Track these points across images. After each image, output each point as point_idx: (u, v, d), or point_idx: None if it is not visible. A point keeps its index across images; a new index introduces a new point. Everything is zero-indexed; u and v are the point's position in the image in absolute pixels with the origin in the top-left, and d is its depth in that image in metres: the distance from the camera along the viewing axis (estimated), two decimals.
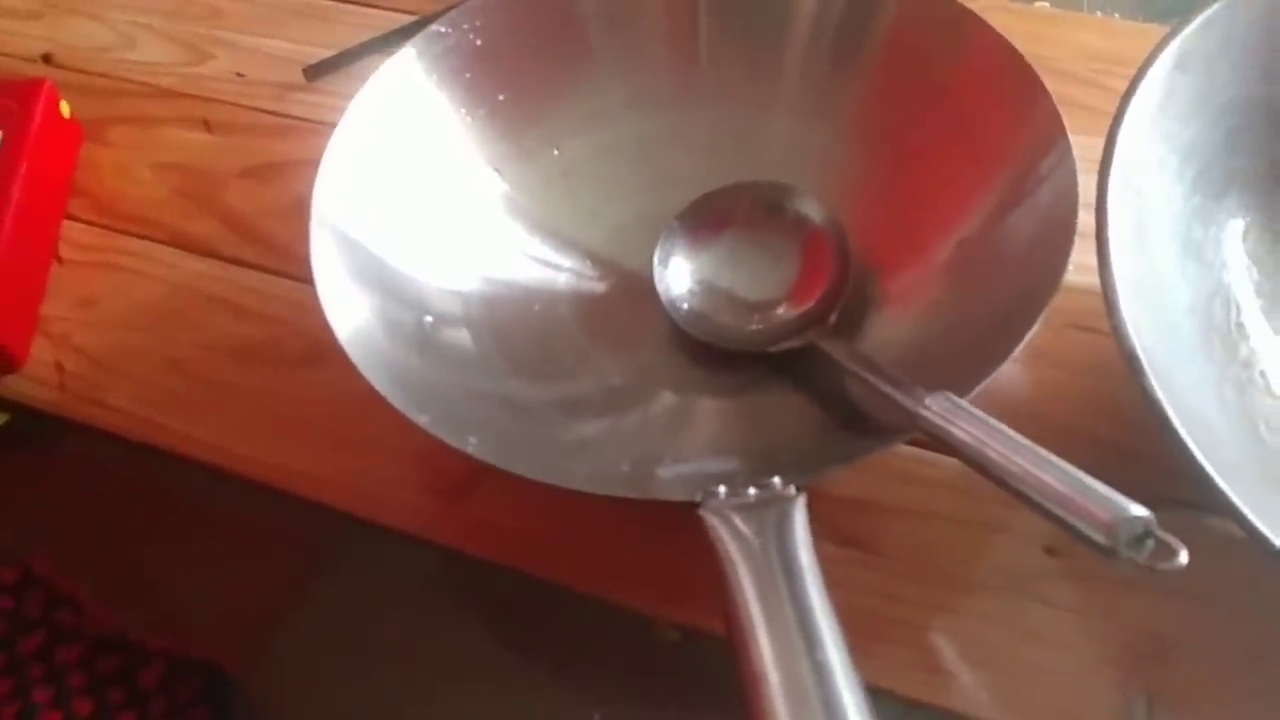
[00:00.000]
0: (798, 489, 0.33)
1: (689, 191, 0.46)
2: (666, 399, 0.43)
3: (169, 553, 0.42)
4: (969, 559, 0.40)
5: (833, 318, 0.42)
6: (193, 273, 0.49)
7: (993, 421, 0.33)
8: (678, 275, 0.45)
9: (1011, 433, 0.32)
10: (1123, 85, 0.50)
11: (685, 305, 0.44)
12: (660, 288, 0.44)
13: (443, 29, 0.46)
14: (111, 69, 0.59)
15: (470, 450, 0.35)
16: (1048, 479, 0.30)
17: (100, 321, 0.48)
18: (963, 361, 0.37)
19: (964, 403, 0.33)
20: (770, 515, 0.33)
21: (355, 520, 0.42)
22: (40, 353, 0.47)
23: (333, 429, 0.43)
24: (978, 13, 0.43)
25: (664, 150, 0.49)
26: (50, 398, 0.46)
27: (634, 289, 0.45)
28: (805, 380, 0.42)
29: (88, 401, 0.45)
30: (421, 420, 0.35)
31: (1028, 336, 0.35)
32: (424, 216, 0.44)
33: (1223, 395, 0.38)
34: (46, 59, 0.59)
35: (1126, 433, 0.41)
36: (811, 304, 0.43)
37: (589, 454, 0.40)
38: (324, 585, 0.42)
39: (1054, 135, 0.38)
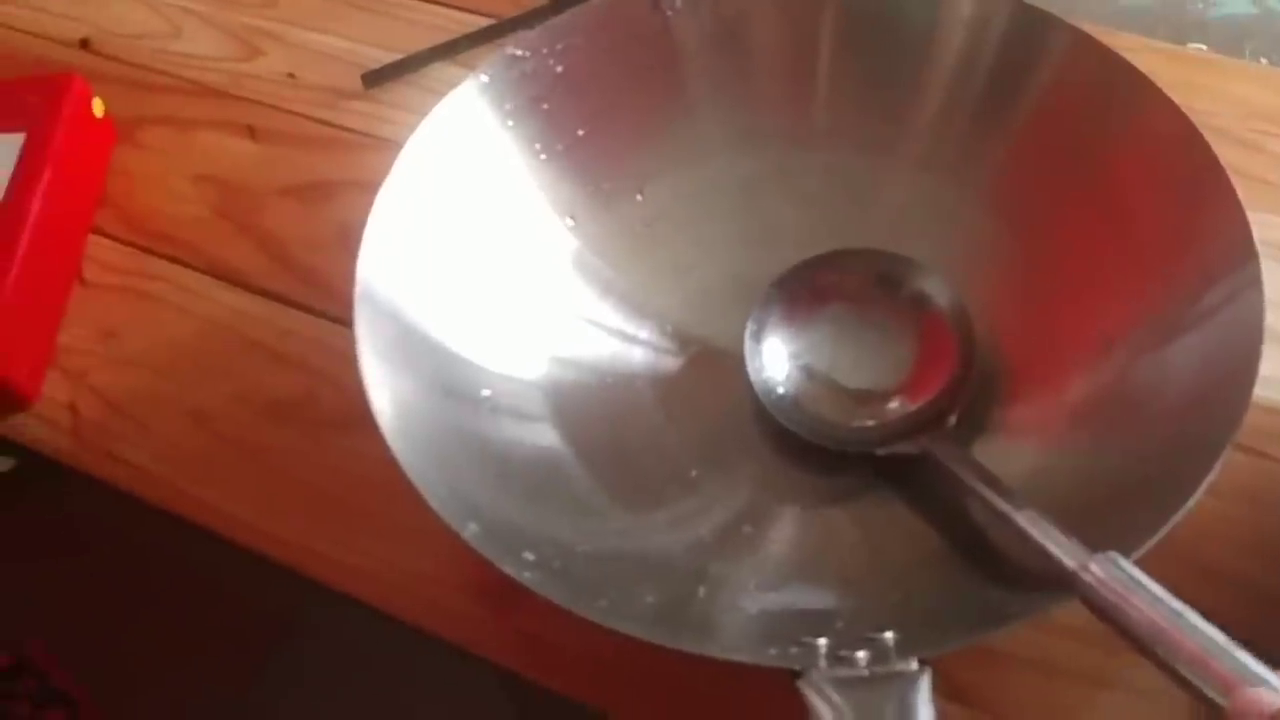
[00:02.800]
0: (920, 663, 0.28)
1: (786, 247, 0.40)
2: (754, 502, 0.37)
3: (175, 642, 0.37)
4: None
5: (952, 419, 0.36)
6: (227, 307, 0.44)
7: (1186, 611, 0.27)
8: (773, 354, 0.39)
9: (1218, 635, 0.26)
10: None
11: (780, 390, 0.38)
12: (751, 367, 0.38)
13: (519, 52, 0.40)
14: (152, 60, 0.53)
15: (526, 581, 0.30)
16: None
17: (122, 359, 0.43)
18: (1111, 505, 0.32)
19: (1141, 574, 0.27)
20: (889, 699, 0.27)
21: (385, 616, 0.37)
22: (54, 390, 0.43)
23: (368, 509, 0.38)
24: (1144, 73, 0.36)
25: (762, 197, 0.42)
26: (61, 445, 0.41)
27: (718, 365, 0.39)
28: (920, 493, 0.36)
29: (101, 454, 0.40)
30: (468, 532, 0.30)
31: (1204, 484, 0.29)
32: (486, 284, 0.39)
33: None
34: (84, 44, 0.54)
35: None
36: (927, 400, 0.37)
37: (660, 571, 0.34)
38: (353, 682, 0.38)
39: (1240, 254, 0.32)
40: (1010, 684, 0.34)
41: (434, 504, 0.30)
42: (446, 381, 0.35)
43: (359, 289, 0.34)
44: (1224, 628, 0.27)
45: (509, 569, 0.30)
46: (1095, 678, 0.34)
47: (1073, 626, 0.34)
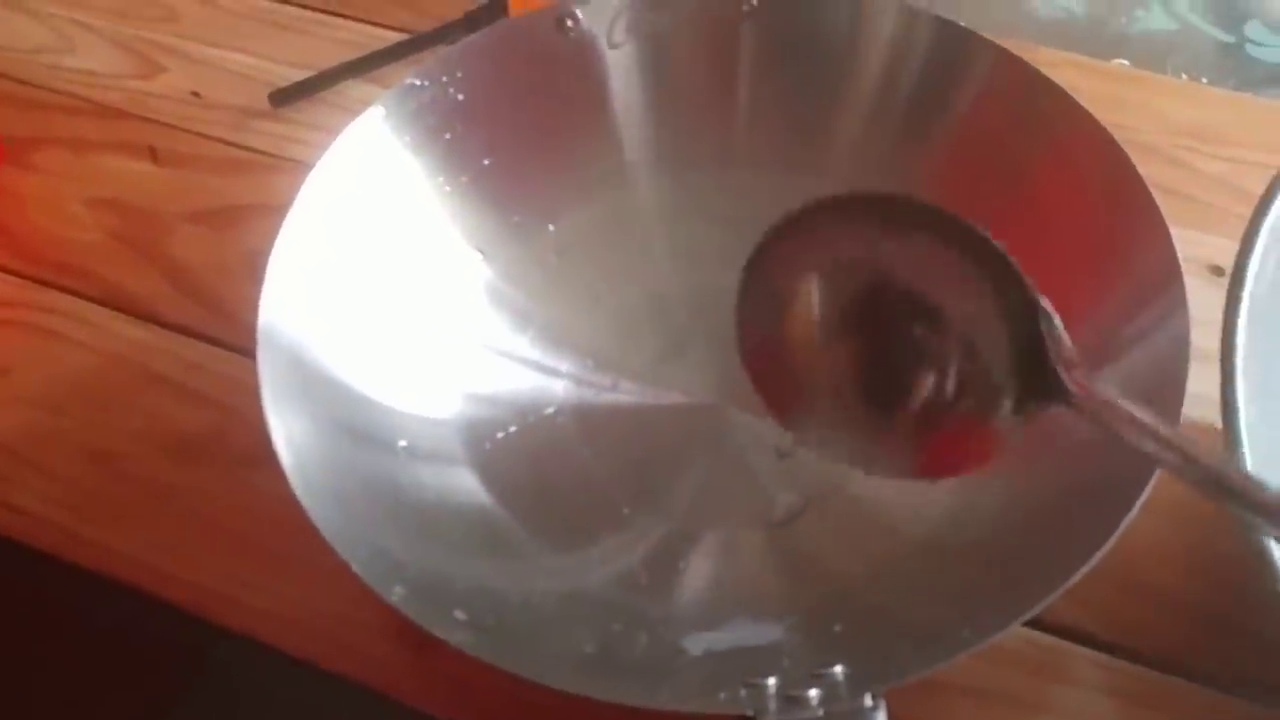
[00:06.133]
0: (873, 698, 0.27)
1: (705, 267, 0.40)
2: (682, 530, 0.36)
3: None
4: None
5: None
6: (129, 341, 0.42)
7: None
8: None
9: None
10: (1213, 168, 0.45)
11: None
12: None
13: (418, 82, 0.38)
14: (43, 77, 0.51)
15: (459, 644, 0.28)
16: None
17: (12, 398, 0.41)
18: (1038, 538, 0.31)
19: None
20: None
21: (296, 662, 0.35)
22: None
23: (281, 549, 0.36)
24: (1066, 89, 0.36)
25: (679, 221, 0.42)
26: None
27: (643, 392, 0.39)
28: (856, 515, 0.35)
29: None
30: (395, 596, 0.29)
31: (1131, 513, 0.29)
32: (397, 322, 0.37)
33: None
34: None
35: (1222, 596, 0.35)
36: None
37: (597, 615, 0.33)
38: None
39: (1164, 280, 0.31)
40: (951, 712, 0.33)
41: (357, 568, 0.29)
42: (360, 429, 0.34)
43: (261, 333, 0.33)
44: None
45: (440, 633, 0.28)
46: (1029, 701, 0.34)
47: (1006, 650, 0.34)
